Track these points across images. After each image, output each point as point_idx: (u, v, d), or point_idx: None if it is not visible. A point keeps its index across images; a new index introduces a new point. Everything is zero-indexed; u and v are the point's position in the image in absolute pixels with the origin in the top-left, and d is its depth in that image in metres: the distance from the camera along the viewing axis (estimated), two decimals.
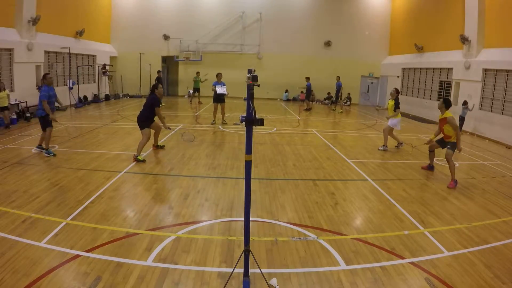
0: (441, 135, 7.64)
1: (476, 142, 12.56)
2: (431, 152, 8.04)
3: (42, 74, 13.91)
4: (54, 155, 8.05)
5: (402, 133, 13.25)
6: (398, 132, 13.79)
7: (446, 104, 7.37)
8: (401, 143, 10.41)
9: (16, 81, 13.53)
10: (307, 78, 19.30)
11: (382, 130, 10.61)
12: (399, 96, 10.35)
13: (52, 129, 8.26)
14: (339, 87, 19.66)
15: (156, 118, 8.37)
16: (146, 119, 8.12)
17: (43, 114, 8.07)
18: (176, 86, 24.56)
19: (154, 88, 8.32)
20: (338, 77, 19.76)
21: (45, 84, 8.26)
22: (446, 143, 7.41)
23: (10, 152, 8.28)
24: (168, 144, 9.62)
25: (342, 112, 19.30)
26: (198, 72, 19.93)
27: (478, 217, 5.58)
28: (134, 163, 7.70)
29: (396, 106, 9.96)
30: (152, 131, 8.53)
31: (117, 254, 3.99)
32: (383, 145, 10.14)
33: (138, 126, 8.20)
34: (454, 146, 7.24)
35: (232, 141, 10.44)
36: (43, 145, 8.24)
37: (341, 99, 20.10)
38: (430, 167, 8.19)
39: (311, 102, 20.55)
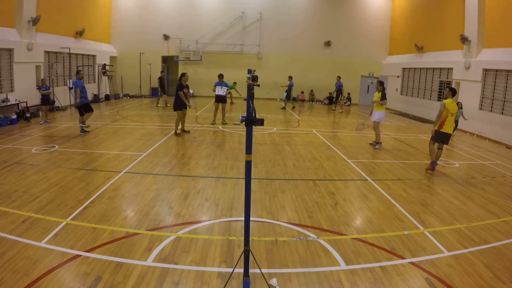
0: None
1: (476, 142, 12.56)
2: (439, 150, 8.02)
3: (42, 77, 14.15)
4: (87, 132, 10.64)
5: (403, 133, 13.27)
6: (398, 132, 13.81)
7: (451, 91, 7.93)
8: (380, 143, 10.40)
9: (16, 81, 13.53)
10: (290, 77, 19.19)
11: (373, 128, 10.62)
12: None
13: (91, 113, 10.99)
14: (339, 87, 19.63)
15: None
16: (175, 103, 10.62)
17: (86, 102, 10.77)
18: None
19: (180, 77, 10.80)
20: (339, 77, 19.70)
21: (78, 78, 10.71)
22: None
23: (10, 152, 8.28)
24: (168, 144, 9.62)
25: (342, 112, 19.31)
26: (235, 83, 19.95)
27: (478, 217, 5.58)
28: (135, 162, 7.74)
29: (383, 96, 10.05)
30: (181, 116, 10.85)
31: (117, 254, 3.99)
32: (377, 143, 10.26)
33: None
34: (437, 136, 7.86)
35: (232, 141, 10.44)
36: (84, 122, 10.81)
37: (341, 99, 20.07)
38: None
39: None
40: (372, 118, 10.32)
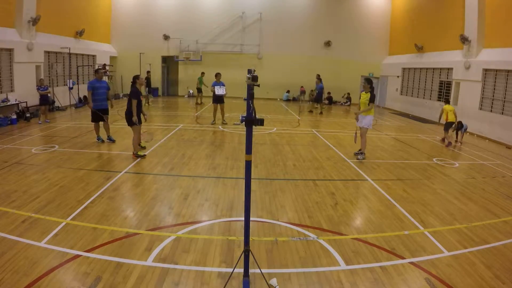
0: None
1: (476, 142, 12.56)
2: (453, 132, 11.94)
3: (42, 77, 14.09)
4: (103, 141, 9.53)
5: (403, 133, 13.26)
6: (398, 132, 13.80)
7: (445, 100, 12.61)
8: (363, 153, 8.97)
9: (16, 81, 13.52)
10: (319, 79, 18.01)
11: (360, 136, 8.77)
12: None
13: (97, 124, 9.55)
14: (321, 88, 18.73)
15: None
16: (129, 116, 8.09)
17: (100, 107, 9.34)
18: (176, 86, 24.58)
19: (134, 79, 8.25)
20: (318, 75, 18.68)
21: (96, 78, 9.45)
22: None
23: (10, 152, 8.28)
24: (168, 144, 9.62)
25: (311, 111, 18.41)
26: (203, 73, 19.83)
27: (478, 217, 5.59)
28: (136, 160, 7.75)
29: (372, 99, 8.47)
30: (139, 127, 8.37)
31: (117, 254, 3.99)
32: (362, 153, 8.89)
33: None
34: (446, 125, 11.79)
35: (232, 141, 10.44)
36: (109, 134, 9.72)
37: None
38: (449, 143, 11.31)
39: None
40: (360, 123, 8.72)
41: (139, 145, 8.57)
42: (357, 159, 8.79)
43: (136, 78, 8.21)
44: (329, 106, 21.86)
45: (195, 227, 4.79)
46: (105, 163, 7.68)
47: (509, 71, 12.58)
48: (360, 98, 8.93)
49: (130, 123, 8.06)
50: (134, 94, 8.04)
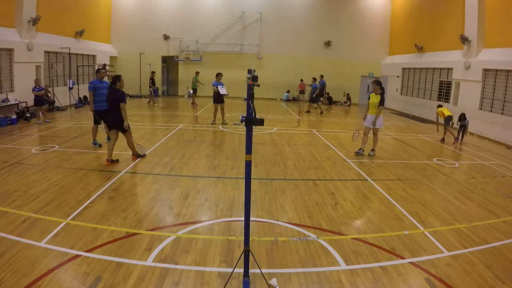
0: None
1: (476, 142, 12.56)
2: (453, 128, 12.00)
3: (42, 77, 14.01)
4: (100, 145, 9.02)
5: (403, 133, 13.26)
6: (398, 132, 13.81)
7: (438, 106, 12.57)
8: (363, 150, 9.30)
9: (16, 81, 13.52)
10: (314, 79, 18.02)
11: (373, 135, 9.28)
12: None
13: (97, 126, 8.99)
14: (315, 88, 18.21)
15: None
16: (118, 120, 7.40)
17: (101, 109, 8.48)
18: (176, 86, 24.59)
19: (115, 81, 7.42)
20: (315, 79, 18.51)
21: (97, 78, 9.01)
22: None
23: (10, 152, 8.27)
24: (167, 144, 9.62)
25: (308, 111, 18.07)
26: (197, 72, 19.79)
27: (478, 217, 5.58)
28: (136, 160, 7.75)
29: (383, 102, 8.89)
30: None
31: (117, 254, 3.99)
32: (360, 149, 9.31)
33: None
34: (446, 120, 11.82)
35: (232, 141, 10.44)
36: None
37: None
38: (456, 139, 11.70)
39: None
40: (372, 124, 9.02)
41: (138, 154, 8.08)
42: (369, 155, 9.28)
43: (117, 79, 7.36)
44: (329, 106, 21.85)
45: (195, 227, 4.79)
46: (105, 163, 7.67)
47: (509, 71, 12.58)
48: (369, 99, 9.12)
49: (122, 129, 7.48)
50: (123, 97, 7.30)
